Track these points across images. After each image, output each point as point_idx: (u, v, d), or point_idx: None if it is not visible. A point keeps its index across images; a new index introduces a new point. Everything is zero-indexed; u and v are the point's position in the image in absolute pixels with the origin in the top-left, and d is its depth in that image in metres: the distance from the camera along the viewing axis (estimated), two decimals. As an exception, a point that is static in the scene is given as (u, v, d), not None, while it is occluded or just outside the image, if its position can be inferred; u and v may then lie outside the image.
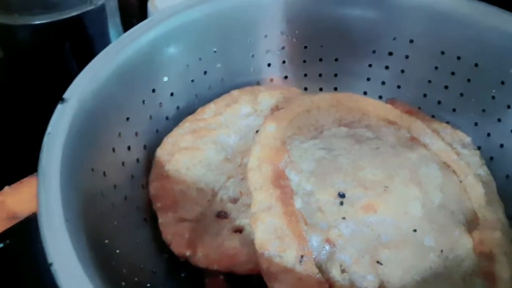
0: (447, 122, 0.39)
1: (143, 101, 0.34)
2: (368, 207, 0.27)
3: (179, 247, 0.31)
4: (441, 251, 0.26)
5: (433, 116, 0.40)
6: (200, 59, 0.38)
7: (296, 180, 0.28)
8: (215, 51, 0.38)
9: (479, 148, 0.37)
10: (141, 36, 0.33)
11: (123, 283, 0.26)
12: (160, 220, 0.32)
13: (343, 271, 0.25)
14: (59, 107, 0.26)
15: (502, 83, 0.35)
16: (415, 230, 0.27)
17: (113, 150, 0.30)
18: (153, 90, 0.35)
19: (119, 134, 0.31)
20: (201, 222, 0.31)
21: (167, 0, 0.49)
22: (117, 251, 0.27)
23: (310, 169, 0.29)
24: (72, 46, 0.47)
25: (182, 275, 0.32)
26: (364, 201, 0.27)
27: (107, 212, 0.28)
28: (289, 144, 0.31)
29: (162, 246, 0.31)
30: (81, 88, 0.27)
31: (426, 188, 0.28)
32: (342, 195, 0.27)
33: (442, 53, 0.38)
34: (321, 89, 0.42)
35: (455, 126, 0.38)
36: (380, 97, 0.41)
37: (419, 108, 0.40)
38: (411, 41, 0.39)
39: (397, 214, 0.27)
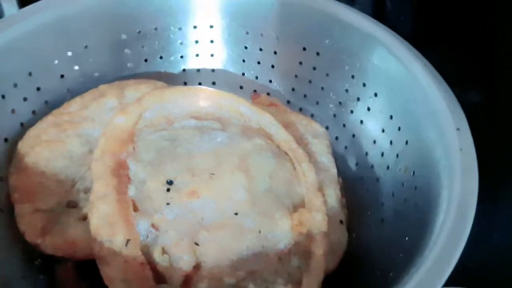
0: (312, 114, 0.41)
1: (3, 96, 0.35)
2: (192, 193, 0.28)
3: (31, 236, 0.32)
4: (259, 231, 0.28)
5: (300, 109, 0.42)
6: (70, 54, 0.39)
7: (134, 170, 0.30)
8: (86, 46, 0.39)
9: (336, 138, 0.40)
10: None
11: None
12: (16, 211, 0.33)
13: (164, 252, 0.27)
14: None
15: (353, 77, 0.38)
16: (236, 213, 0.29)
17: (-38, 143, 0.31)
18: (15, 85, 0.35)
19: (-29, 128, 0.32)
20: (55, 212, 0.33)
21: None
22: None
23: (149, 158, 0.30)
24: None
25: (36, 262, 0.33)
26: (189, 187, 0.29)
27: None
28: (137, 135, 0.32)
29: (17, 236, 0.32)
30: None
31: (253, 174, 0.30)
32: (170, 182, 0.29)
33: (304, 49, 0.40)
34: (200, 84, 0.44)
35: (318, 117, 0.41)
36: (255, 91, 0.43)
37: (288, 101, 0.42)
38: (277, 38, 0.41)
39: (220, 199, 0.29)
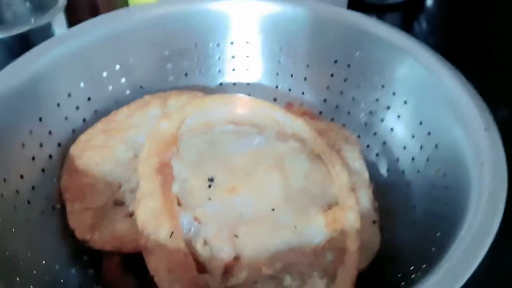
0: (343, 124, 0.43)
1: (58, 104, 0.38)
2: (232, 189, 0.30)
3: (81, 233, 0.34)
4: (295, 227, 0.30)
5: (332, 119, 0.44)
6: (118, 68, 0.42)
7: (177, 169, 0.32)
8: (132, 61, 0.42)
9: (368, 146, 0.41)
10: (56, 46, 0.38)
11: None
12: (67, 209, 0.35)
13: (205, 244, 0.29)
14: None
15: (383, 87, 0.40)
16: (273, 209, 0.30)
17: (23, 145, 0.34)
18: (69, 95, 0.39)
19: (30, 131, 0.35)
20: (103, 210, 0.35)
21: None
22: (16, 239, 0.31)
23: (191, 159, 0.33)
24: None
25: (85, 258, 0.35)
26: (229, 184, 0.31)
27: (7, 197, 0.31)
28: (179, 139, 0.35)
29: (68, 232, 0.35)
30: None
31: (288, 174, 0.32)
32: (211, 180, 0.31)
33: (335, 61, 0.42)
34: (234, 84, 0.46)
35: (349, 127, 0.42)
36: (289, 103, 0.45)
37: (321, 112, 0.44)
38: (309, 52, 0.43)
39: (258, 195, 0.31)
